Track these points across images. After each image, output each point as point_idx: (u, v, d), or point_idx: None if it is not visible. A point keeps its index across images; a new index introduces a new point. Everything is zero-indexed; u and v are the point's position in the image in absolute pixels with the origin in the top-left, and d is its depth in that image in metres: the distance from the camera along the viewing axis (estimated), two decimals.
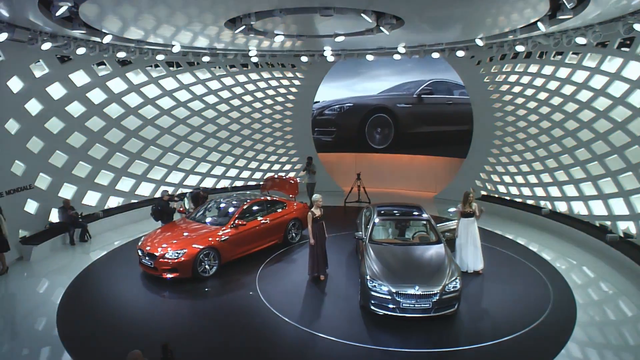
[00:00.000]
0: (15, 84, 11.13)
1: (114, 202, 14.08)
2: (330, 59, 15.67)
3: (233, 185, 16.99)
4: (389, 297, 7.82)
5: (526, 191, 14.15)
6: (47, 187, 12.12)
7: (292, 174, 17.40)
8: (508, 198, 14.69)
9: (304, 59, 15.72)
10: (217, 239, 10.06)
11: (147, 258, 9.75)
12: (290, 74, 17.11)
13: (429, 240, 9.39)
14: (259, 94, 16.87)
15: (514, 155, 14.35)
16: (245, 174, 17.30)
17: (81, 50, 11.68)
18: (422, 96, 17.57)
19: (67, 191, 12.65)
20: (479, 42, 12.17)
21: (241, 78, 16.38)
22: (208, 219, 10.83)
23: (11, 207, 10.87)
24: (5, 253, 10.14)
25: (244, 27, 9.77)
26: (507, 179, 14.70)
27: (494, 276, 9.91)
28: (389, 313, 7.86)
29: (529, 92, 13.51)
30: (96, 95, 13.16)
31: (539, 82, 13.18)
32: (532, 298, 8.84)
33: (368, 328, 7.91)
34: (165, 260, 9.49)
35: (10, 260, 10.54)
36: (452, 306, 7.93)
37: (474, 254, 9.82)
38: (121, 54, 12.72)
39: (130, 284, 9.74)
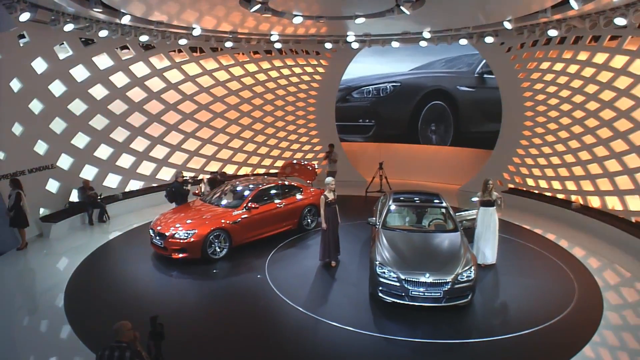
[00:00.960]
0: (39, 65, 11.28)
1: (134, 185, 14.17)
2: (355, 45, 15.28)
3: (254, 172, 16.85)
4: (398, 284, 7.43)
5: (556, 185, 13.37)
6: (69, 167, 12.26)
7: (313, 162, 17.06)
8: (537, 192, 13.93)
9: (328, 45, 15.38)
10: (229, 221, 9.88)
11: (157, 238, 9.68)
12: (314, 61, 16.78)
13: (445, 229, 8.92)
14: (283, 81, 16.63)
15: (544, 146, 13.58)
16: (267, 161, 17.13)
17: (103, 33, 11.73)
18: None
19: (88, 172, 12.79)
20: (508, 25, 11.52)
21: (264, 65, 16.18)
22: (222, 202, 10.68)
23: (33, 186, 11.04)
24: (25, 229, 10.30)
25: (259, 5, 9.52)
26: (536, 171, 13.94)
27: (515, 270, 9.36)
28: (398, 301, 7.48)
29: (562, 79, 12.71)
30: (119, 79, 13.22)
31: (573, 69, 12.37)
32: (554, 294, 8.27)
33: (375, 316, 7.57)
34: (175, 240, 9.39)
35: (30, 237, 10.72)
36: (465, 296, 7.47)
37: (492, 245, 9.27)
38: (143, 38, 12.72)
39: (140, 264, 9.70)
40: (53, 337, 7.03)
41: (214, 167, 15.84)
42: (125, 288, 8.64)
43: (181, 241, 9.37)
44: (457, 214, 9.68)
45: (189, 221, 9.74)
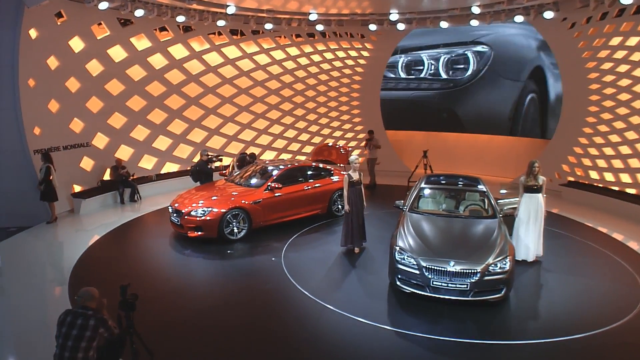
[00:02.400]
0: (76, 44, 11.29)
1: (171, 167, 14.00)
2: (401, 27, 14.21)
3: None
4: (418, 272, 6.41)
5: (625, 178, 11.57)
6: (104, 146, 12.24)
7: (357, 151, 16.15)
8: (602, 185, 12.16)
9: (372, 27, 14.42)
10: (249, 200, 9.25)
11: (175, 215, 9.25)
12: (358, 45, 15.85)
13: (481, 215, 7.74)
14: (325, 65, 15.85)
15: (612, 134, 11.81)
16: (308, 148, 16.43)
17: (139, 12, 11.57)
18: None
19: (123, 152, 12.72)
20: None
21: (307, 48, 15.49)
22: (246, 182, 10.09)
23: (67, 163, 11.08)
24: (55, 204, 10.29)
25: None
26: (601, 162, 12.17)
27: (564, 267, 7.99)
28: (418, 292, 6.46)
29: (637, 56, 10.94)
30: (157, 61, 13.08)
31: None
32: (612, 297, 6.86)
33: (390, 307, 6.61)
34: (191, 217, 8.91)
35: (61, 212, 10.73)
36: (497, 291, 6.31)
37: (535, 238, 7.93)
38: (180, 18, 12.48)
39: (157, 240, 9.41)
40: (50, 303, 6.75)
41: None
42: (136, 263, 8.28)
43: (197, 219, 8.86)
44: (498, 201, 8.43)
45: (206, 200, 9.22)
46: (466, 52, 15.46)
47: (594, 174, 12.42)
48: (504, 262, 6.34)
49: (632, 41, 11.02)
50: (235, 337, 5.79)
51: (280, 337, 5.79)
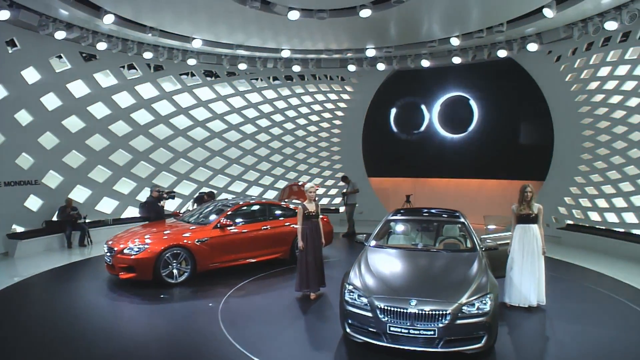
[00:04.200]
0: (31, 75, 10.41)
1: (133, 212, 12.63)
2: (381, 67, 13.40)
3: None
4: (371, 314, 4.84)
5: (630, 217, 10.05)
6: (57, 186, 10.99)
7: (338, 199, 14.79)
8: (604, 227, 10.62)
9: (352, 68, 13.65)
10: (194, 239, 7.80)
11: (108, 254, 7.78)
12: (338, 88, 14.99)
13: (458, 248, 6.24)
14: (304, 109, 14.93)
15: (610, 171, 10.47)
16: None
17: (102, 46, 10.83)
18: None
19: (79, 193, 11.45)
20: (548, 13, 9.12)
21: (284, 91, 14.66)
22: (197, 220, 8.67)
23: (8, 200, 9.82)
24: None
25: None
26: (601, 202, 10.71)
27: (571, 314, 6.34)
28: (372, 341, 4.84)
29: (630, 85, 9.86)
30: (123, 99, 12.17)
31: None
32: (632, 346, 5.19)
33: None
34: (124, 256, 7.42)
35: None
36: (475, 340, 4.69)
37: (532, 279, 6.35)
38: (147, 55, 11.74)
39: (85, 284, 7.92)
40: None
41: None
42: (49, 305, 6.73)
43: (130, 257, 7.38)
44: (485, 236, 6.93)
45: (146, 237, 7.78)
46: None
47: (594, 216, 10.91)
48: (483, 302, 4.78)
49: (622, 70, 10.03)
50: None
51: None
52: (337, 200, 15.01)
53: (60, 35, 9.97)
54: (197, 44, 11.30)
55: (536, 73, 11.95)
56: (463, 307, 4.69)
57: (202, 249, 7.81)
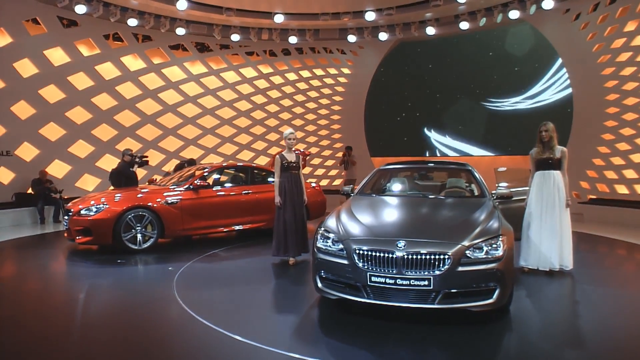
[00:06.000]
0: (1, 38, 9.52)
1: None
2: (383, 36, 12.25)
3: None
4: (347, 262, 3.67)
5: None
6: (32, 159, 10.04)
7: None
8: (633, 199, 9.25)
9: (352, 38, 12.52)
10: (161, 200, 6.72)
11: (66, 218, 6.73)
12: (338, 61, 13.80)
13: (464, 195, 5.03)
14: (302, 85, 13.80)
15: (638, 137, 9.13)
16: None
17: (81, 9, 9.91)
18: None
19: (57, 168, 10.48)
20: None
21: (281, 66, 13.58)
22: (171, 184, 7.57)
23: None
24: None
25: None
26: (629, 173, 9.36)
27: (601, 278, 5.08)
28: (349, 297, 3.67)
29: None
30: (107, 70, 11.22)
31: None
32: None
33: (304, 327, 3.78)
34: (80, 218, 6.36)
35: None
36: (482, 294, 3.49)
37: (553, 236, 5.09)
38: (132, 22, 10.79)
39: (43, 252, 6.81)
40: None
41: None
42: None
43: (87, 219, 6.31)
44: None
45: (108, 197, 6.71)
46: None
47: (621, 188, 9.55)
48: (494, 245, 3.58)
49: None
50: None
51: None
52: (338, 181, 13.79)
53: None
54: (182, 6, 10.28)
55: (552, 35, 10.64)
56: (467, 251, 3.49)
57: (171, 212, 6.71)
